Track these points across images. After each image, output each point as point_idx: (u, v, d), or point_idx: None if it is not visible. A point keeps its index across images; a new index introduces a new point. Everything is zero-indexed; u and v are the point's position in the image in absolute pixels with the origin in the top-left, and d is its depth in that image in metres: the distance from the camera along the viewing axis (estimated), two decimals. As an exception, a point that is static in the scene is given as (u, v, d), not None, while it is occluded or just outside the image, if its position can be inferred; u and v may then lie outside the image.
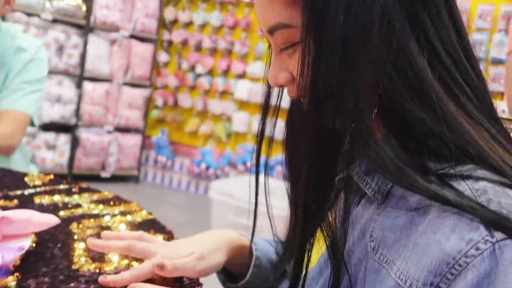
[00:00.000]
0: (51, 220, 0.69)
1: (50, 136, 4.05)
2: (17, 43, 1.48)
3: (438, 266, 0.44)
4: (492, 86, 3.17)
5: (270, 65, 0.59)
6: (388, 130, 0.52)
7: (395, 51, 0.49)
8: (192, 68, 4.62)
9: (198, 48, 4.61)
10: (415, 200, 0.49)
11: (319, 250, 0.62)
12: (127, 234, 0.71)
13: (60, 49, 4.06)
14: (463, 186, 0.46)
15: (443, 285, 0.44)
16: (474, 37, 3.46)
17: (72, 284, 0.60)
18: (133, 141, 4.57)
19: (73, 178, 2.66)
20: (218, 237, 0.73)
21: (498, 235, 0.43)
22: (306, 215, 0.60)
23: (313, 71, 0.51)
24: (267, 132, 0.65)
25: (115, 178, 4.44)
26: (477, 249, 0.43)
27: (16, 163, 1.50)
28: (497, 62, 3.46)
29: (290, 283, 0.63)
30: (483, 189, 0.46)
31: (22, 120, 1.42)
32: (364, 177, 0.55)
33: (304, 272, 0.59)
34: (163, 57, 4.79)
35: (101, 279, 0.61)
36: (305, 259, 0.60)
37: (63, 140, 4.13)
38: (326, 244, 0.55)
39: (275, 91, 0.64)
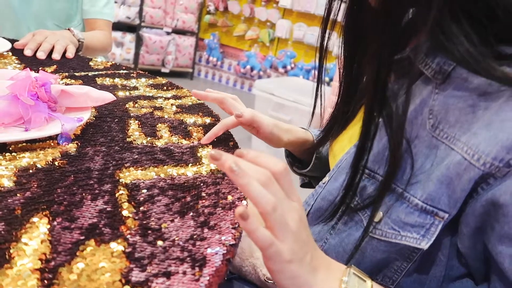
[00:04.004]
0: (107, 96, 0.63)
1: (117, 34, 3.97)
2: None
3: None
4: None
5: None
6: (464, 15, 0.42)
7: None
8: (241, -23, 4.32)
9: (247, -43, 4.26)
10: (482, 83, 0.41)
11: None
12: (224, 93, 0.73)
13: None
14: None
15: None
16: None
17: (126, 154, 0.56)
18: (188, 42, 4.45)
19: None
20: (293, 126, 0.76)
21: None
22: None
23: None
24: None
25: (173, 74, 4.40)
26: None
27: None
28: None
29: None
30: None
31: (110, 27, 1.44)
32: (425, 58, 0.47)
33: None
34: (215, -35, 4.46)
35: (203, 140, 0.64)
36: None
37: (129, 38, 4.05)
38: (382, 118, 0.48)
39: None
